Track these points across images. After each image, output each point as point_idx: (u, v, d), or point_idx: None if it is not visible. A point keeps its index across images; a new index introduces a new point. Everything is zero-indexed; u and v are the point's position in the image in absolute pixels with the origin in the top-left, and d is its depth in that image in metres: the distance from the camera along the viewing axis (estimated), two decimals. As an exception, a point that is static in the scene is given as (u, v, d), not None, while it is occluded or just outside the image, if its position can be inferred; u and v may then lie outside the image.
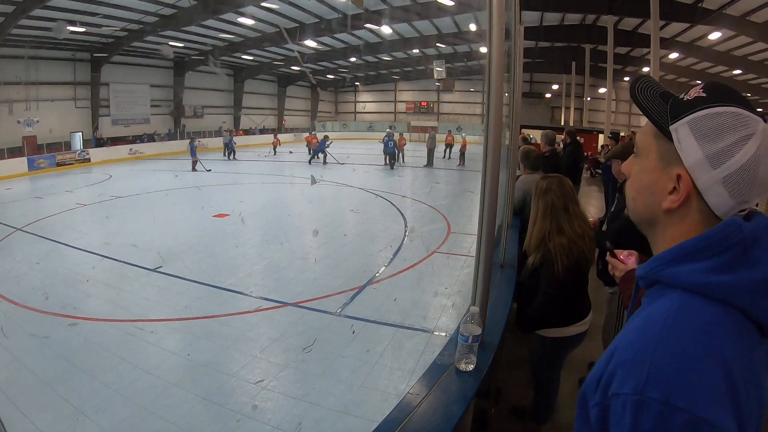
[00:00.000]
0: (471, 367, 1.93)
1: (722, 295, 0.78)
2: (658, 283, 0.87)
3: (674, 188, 0.86)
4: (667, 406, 0.69)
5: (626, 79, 35.18)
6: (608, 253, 1.85)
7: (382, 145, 22.60)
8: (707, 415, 0.68)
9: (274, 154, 28.98)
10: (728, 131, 0.80)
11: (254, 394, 4.70)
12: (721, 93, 0.83)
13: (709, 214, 0.84)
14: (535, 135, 19.75)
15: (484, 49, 1.83)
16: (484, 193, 1.99)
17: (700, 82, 0.93)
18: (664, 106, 0.89)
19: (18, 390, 4.77)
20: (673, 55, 25.40)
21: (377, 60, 36.77)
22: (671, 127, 0.85)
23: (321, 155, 24.13)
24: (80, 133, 26.26)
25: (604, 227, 4.07)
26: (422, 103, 47.00)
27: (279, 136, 34.74)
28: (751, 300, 0.77)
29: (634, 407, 0.71)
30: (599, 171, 17.36)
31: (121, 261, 8.65)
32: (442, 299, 7.00)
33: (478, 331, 1.87)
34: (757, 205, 0.87)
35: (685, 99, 0.86)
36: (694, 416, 0.68)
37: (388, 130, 24.85)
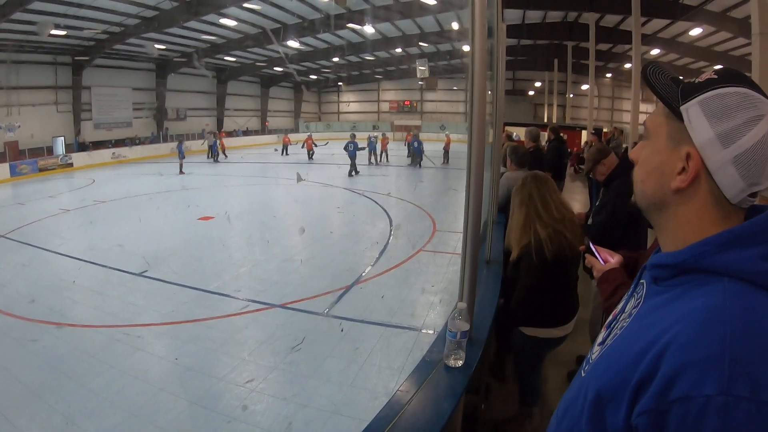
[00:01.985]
0: (460, 363, 1.95)
1: None
2: (693, 272, 0.83)
3: (683, 168, 0.84)
4: (755, 403, 0.65)
5: (608, 75, 35.52)
6: (587, 250, 1.87)
7: (350, 149, 20.25)
8: None
9: (224, 157, 27.76)
10: (738, 110, 0.79)
11: (244, 397, 4.68)
12: (731, 75, 0.84)
13: (721, 197, 0.83)
14: (519, 132, 19.87)
15: (467, 48, 1.85)
16: (469, 191, 2.00)
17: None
18: (675, 89, 0.89)
19: (6, 400, 4.70)
20: (655, 51, 25.60)
21: (360, 60, 36.72)
22: (682, 108, 0.85)
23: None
24: (62, 138, 25.91)
25: (589, 221, 4.10)
26: (405, 102, 46.98)
27: (263, 137, 34.71)
28: None
29: (720, 410, 0.66)
30: (583, 167, 17.46)
31: (106, 266, 8.57)
32: (429, 297, 7.03)
33: (466, 327, 1.89)
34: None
35: (696, 82, 0.86)
36: None
37: (374, 135, 24.67)
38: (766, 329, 0.71)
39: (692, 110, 0.83)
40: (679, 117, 0.85)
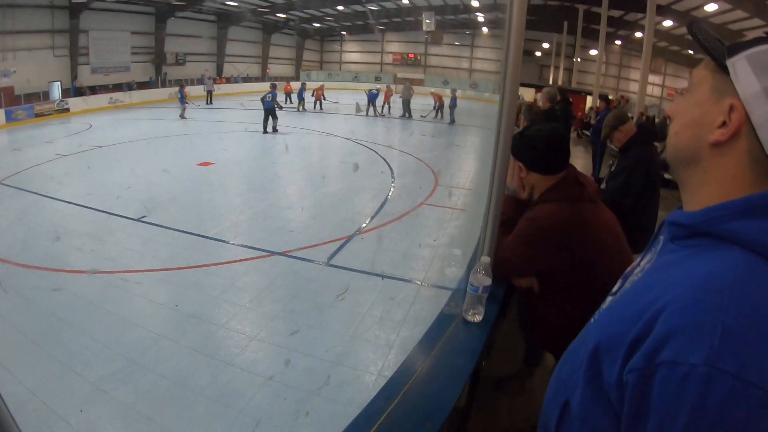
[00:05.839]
0: (478, 318, 1.90)
1: None
2: (707, 236, 0.79)
3: (724, 122, 0.79)
4: (740, 381, 0.61)
5: (618, 42, 34.93)
6: None
7: (267, 101, 17.51)
8: None
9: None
10: None
11: (244, 345, 4.69)
12: None
13: (759, 158, 0.77)
14: (523, 92, 19.62)
15: (475, 2, 1.73)
16: (497, 147, 1.94)
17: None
18: (721, 46, 0.84)
19: (3, 348, 4.69)
20: (667, 23, 25.10)
21: (365, 9, 35.99)
22: (728, 61, 0.80)
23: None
24: (59, 83, 25.30)
25: (602, 187, 4.07)
26: (409, 55, 46.18)
27: (263, 84, 34.41)
28: None
29: (701, 381, 0.62)
30: (586, 132, 17.34)
31: (104, 211, 8.51)
32: (431, 251, 7.02)
33: (488, 281, 1.83)
34: None
35: (744, 40, 0.81)
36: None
37: (376, 87, 24.15)
38: (766, 303, 0.67)
39: (739, 64, 0.79)
40: (726, 71, 0.81)
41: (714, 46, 0.85)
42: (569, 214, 2.00)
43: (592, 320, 0.97)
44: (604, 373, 0.77)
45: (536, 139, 2.14)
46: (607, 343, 0.78)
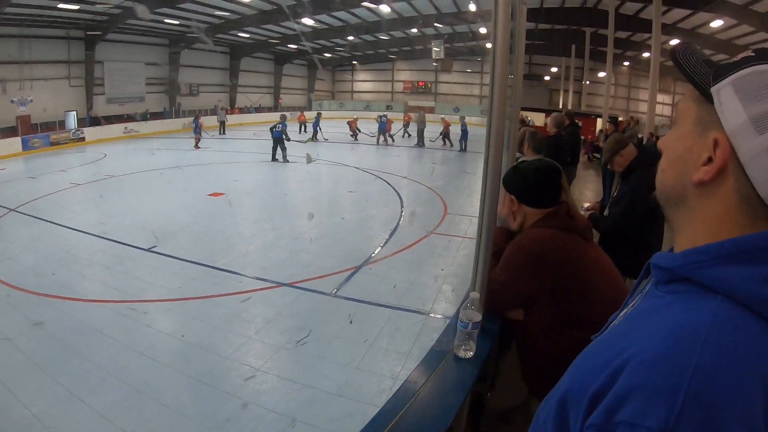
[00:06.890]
0: (470, 354, 1.88)
1: None
2: (689, 282, 0.70)
3: (709, 158, 0.71)
4: None
5: (626, 64, 35.03)
6: None
7: (276, 131, 17.94)
8: None
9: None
10: None
11: (249, 376, 4.67)
12: None
13: (750, 198, 0.68)
14: (533, 117, 19.65)
15: (483, 30, 1.76)
16: (486, 176, 1.93)
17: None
18: (707, 70, 0.75)
19: (10, 372, 4.71)
20: (674, 42, 25.14)
21: (375, 39, 36.41)
22: (713, 89, 0.72)
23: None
24: (74, 112, 25.83)
25: (605, 212, 4.03)
26: (420, 83, 46.58)
27: (276, 114, 34.79)
28: None
29: None
30: (597, 155, 17.27)
31: (114, 241, 8.58)
32: (439, 281, 6.98)
33: (478, 317, 1.82)
34: None
35: (731, 61, 0.73)
36: None
37: (384, 114, 24.44)
38: (744, 367, 0.60)
39: (724, 91, 0.70)
40: (710, 100, 0.72)
41: (699, 71, 0.77)
42: (558, 239, 1.99)
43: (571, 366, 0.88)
44: (570, 423, 0.71)
45: (529, 171, 2.14)
46: (574, 393, 0.71)
